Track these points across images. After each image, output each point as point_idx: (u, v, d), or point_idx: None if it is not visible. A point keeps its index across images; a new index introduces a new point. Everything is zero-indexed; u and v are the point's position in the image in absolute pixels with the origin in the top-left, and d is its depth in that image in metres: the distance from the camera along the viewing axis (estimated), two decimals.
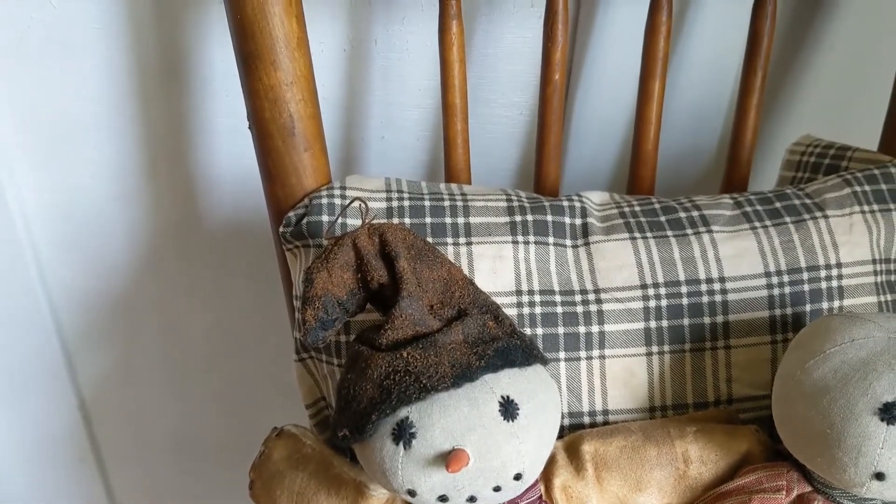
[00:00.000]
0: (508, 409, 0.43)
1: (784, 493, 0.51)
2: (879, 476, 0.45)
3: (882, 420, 0.45)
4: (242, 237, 0.80)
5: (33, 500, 0.95)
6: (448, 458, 0.41)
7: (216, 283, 0.82)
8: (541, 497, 0.50)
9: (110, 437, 0.91)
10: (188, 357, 0.87)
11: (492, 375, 0.44)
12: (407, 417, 0.42)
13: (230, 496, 0.95)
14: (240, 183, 0.77)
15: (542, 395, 0.45)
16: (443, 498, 0.43)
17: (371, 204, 0.58)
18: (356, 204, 0.55)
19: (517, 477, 0.44)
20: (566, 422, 0.57)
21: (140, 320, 0.84)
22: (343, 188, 0.58)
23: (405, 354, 0.44)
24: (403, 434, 0.42)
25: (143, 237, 0.79)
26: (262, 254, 0.79)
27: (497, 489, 0.43)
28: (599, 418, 0.57)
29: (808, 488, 0.51)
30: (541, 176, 0.68)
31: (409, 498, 0.44)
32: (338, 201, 0.57)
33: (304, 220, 0.57)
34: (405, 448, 0.42)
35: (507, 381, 0.44)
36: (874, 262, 0.59)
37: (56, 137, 0.72)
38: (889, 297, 0.59)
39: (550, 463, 0.51)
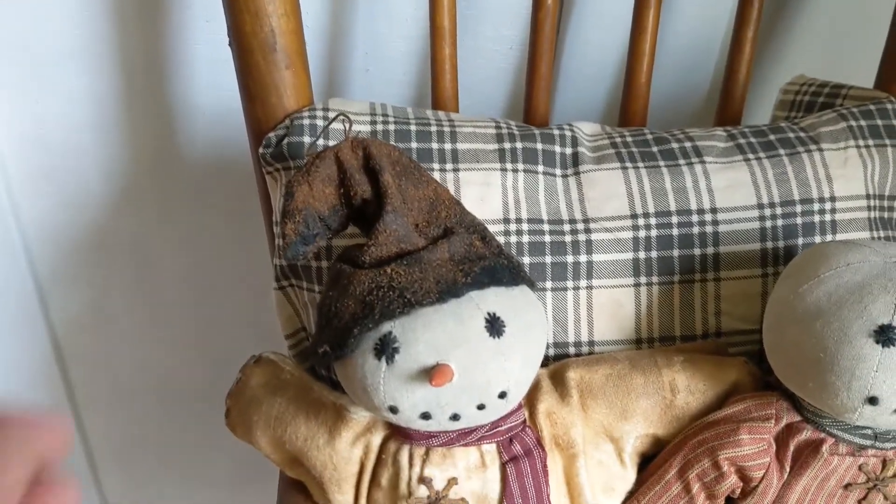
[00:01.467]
0: (494, 325, 0.41)
1: (773, 421, 0.50)
2: (873, 400, 0.44)
3: (877, 342, 0.44)
4: (222, 171, 0.77)
5: None
6: (432, 373, 0.39)
7: (194, 218, 0.80)
8: (525, 422, 0.49)
9: (84, 379, 0.89)
10: (165, 295, 0.84)
11: (478, 292, 0.42)
12: (390, 332, 0.41)
13: (204, 443, 0.93)
14: (220, 115, 0.74)
15: (529, 315, 0.44)
16: (425, 415, 0.42)
17: (355, 128, 0.56)
18: (339, 126, 0.53)
19: (502, 395, 0.42)
20: (551, 352, 0.55)
21: (115, 256, 0.81)
22: (325, 109, 0.56)
23: (389, 270, 0.42)
24: (386, 349, 0.40)
25: (118, 169, 0.76)
26: (241, 188, 0.76)
27: (481, 407, 0.42)
28: (585, 349, 0.56)
29: (798, 417, 0.50)
30: (530, 108, 0.66)
31: (390, 416, 0.42)
32: (320, 122, 0.55)
33: (285, 141, 0.55)
34: (388, 363, 0.40)
35: (494, 299, 0.42)
36: (868, 196, 0.58)
37: (29, 65, 0.69)
38: (882, 234, 0.58)
39: (535, 389, 0.50)
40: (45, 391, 0.88)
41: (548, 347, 0.55)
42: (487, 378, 0.41)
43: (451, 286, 0.41)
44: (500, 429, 0.47)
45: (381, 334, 0.41)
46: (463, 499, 0.48)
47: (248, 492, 0.97)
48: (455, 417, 0.42)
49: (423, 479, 0.47)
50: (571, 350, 0.56)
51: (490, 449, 0.47)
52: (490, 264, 0.43)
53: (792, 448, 0.50)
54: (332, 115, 0.56)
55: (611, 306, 0.56)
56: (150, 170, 0.77)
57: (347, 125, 0.47)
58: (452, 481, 0.47)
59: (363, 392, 0.42)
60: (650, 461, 0.53)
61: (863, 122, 0.60)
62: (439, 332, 0.40)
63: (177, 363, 0.89)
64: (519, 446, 0.48)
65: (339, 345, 0.41)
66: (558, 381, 0.51)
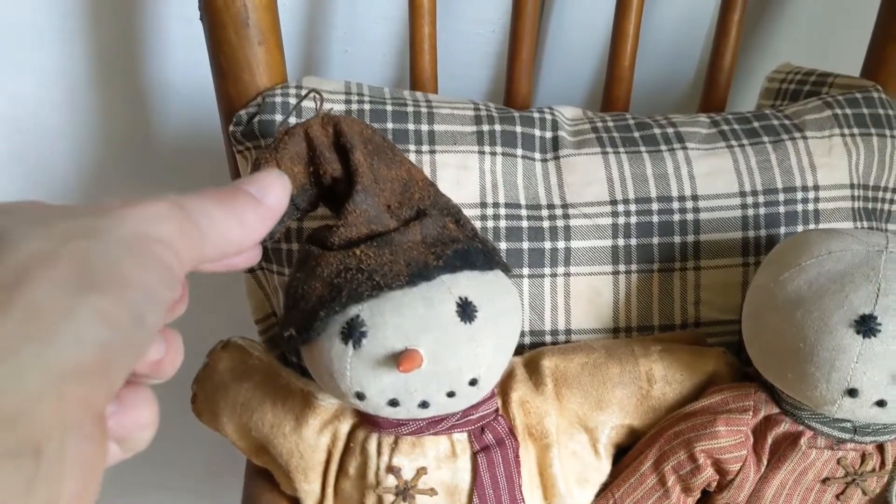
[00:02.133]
0: (466, 310, 0.40)
1: (750, 413, 0.49)
2: (852, 392, 0.43)
3: (858, 333, 0.42)
4: (196, 152, 0.75)
5: None
6: (400, 358, 0.38)
7: None
8: (497, 410, 0.47)
9: None
10: None
11: (450, 276, 0.40)
12: (358, 315, 0.39)
13: (177, 427, 0.90)
14: (194, 94, 0.72)
15: (503, 300, 0.42)
16: (393, 402, 0.40)
17: (328, 106, 0.54)
18: (311, 104, 0.51)
19: (473, 382, 0.41)
20: (527, 340, 0.54)
21: None
22: (299, 87, 0.54)
23: (358, 252, 0.40)
24: (353, 333, 0.39)
25: (90, 151, 0.74)
26: (215, 169, 0.74)
27: (451, 395, 0.41)
28: (562, 337, 0.54)
29: (776, 409, 0.49)
30: (511, 92, 0.64)
31: (357, 403, 0.41)
32: (293, 100, 0.53)
33: (256, 119, 0.53)
34: (354, 347, 0.39)
35: (466, 283, 0.41)
36: (852, 186, 0.57)
37: None
38: (865, 224, 0.57)
39: (508, 377, 0.49)
40: None
41: (523, 335, 0.54)
42: (458, 364, 0.40)
43: (423, 269, 0.40)
44: (471, 417, 0.45)
45: (348, 318, 0.39)
46: (432, 489, 0.46)
47: (222, 481, 0.96)
48: (424, 405, 0.40)
49: (391, 469, 0.45)
50: (548, 338, 0.54)
51: (461, 438, 0.46)
52: (463, 247, 0.42)
53: (770, 441, 0.49)
54: (305, 92, 0.54)
55: (588, 294, 0.54)
56: (122, 150, 0.74)
57: (319, 102, 0.45)
58: (422, 471, 0.46)
59: (329, 377, 0.40)
60: (625, 452, 0.52)
61: (848, 111, 0.58)
62: (408, 316, 0.39)
63: None
64: (491, 436, 0.46)
65: (306, 328, 0.40)
66: (533, 370, 0.49)
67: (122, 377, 0.23)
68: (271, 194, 0.29)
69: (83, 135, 0.73)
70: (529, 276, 0.54)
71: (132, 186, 0.76)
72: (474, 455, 0.46)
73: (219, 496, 0.98)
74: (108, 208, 0.24)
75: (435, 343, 0.39)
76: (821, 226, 0.56)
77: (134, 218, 0.24)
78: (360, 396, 0.40)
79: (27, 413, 0.19)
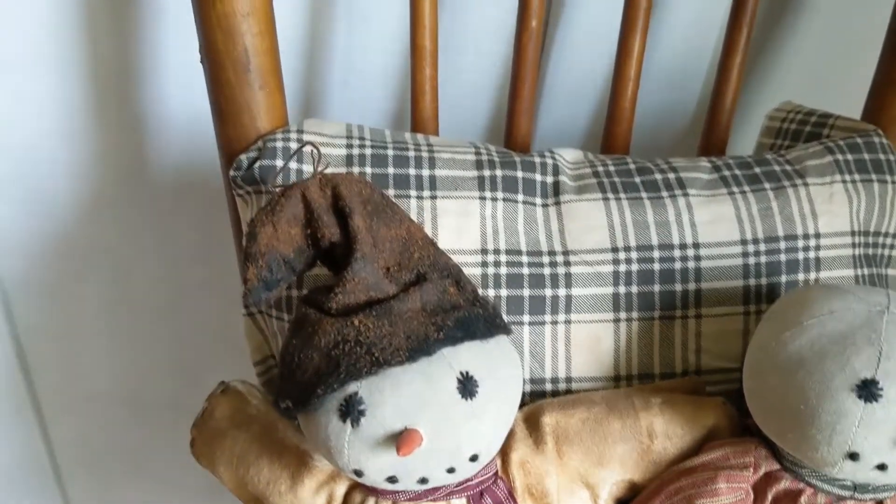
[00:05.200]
0: (467, 386, 0.36)
1: (751, 470, 0.46)
2: (853, 456, 0.41)
3: (859, 397, 0.40)
4: (192, 182, 0.71)
5: None
6: (399, 440, 0.34)
7: (165, 227, 0.74)
8: (497, 473, 0.44)
9: (49, 388, 0.82)
10: (134, 304, 0.78)
11: (451, 349, 0.37)
12: (356, 393, 0.36)
13: (173, 453, 0.87)
14: (192, 124, 0.68)
15: (504, 371, 0.39)
16: (392, 479, 0.37)
17: (330, 150, 0.51)
18: (309, 149, 0.48)
19: (473, 458, 0.37)
20: (527, 388, 0.51)
21: (83, 265, 0.75)
22: (300, 132, 0.51)
23: (357, 322, 0.37)
24: (351, 411, 0.35)
25: (87, 177, 0.69)
26: (212, 201, 0.70)
27: (451, 471, 0.37)
28: (562, 385, 0.51)
29: (777, 466, 0.46)
30: (512, 130, 0.61)
31: (354, 477, 0.38)
32: (293, 145, 0.50)
33: (257, 164, 0.49)
34: (353, 426, 0.35)
35: (467, 356, 0.37)
36: (853, 233, 0.53)
37: None
38: (866, 271, 0.53)
39: (509, 436, 0.45)
40: (8, 398, 0.82)
41: (524, 383, 0.50)
42: (458, 442, 0.36)
43: (423, 343, 0.36)
44: (470, 483, 0.42)
45: (346, 394, 0.36)
46: None
47: (217, 502, 0.92)
48: (423, 481, 0.37)
49: None
50: (548, 386, 0.51)
51: (460, 503, 0.43)
52: (464, 315, 0.38)
53: (770, 498, 0.46)
54: (306, 136, 0.51)
55: (589, 342, 0.51)
56: (119, 177, 0.70)
57: (316, 159, 0.41)
58: None
59: (326, 452, 0.37)
60: None
61: (849, 156, 0.55)
62: (408, 394, 0.35)
63: (145, 372, 0.83)
64: (490, 500, 0.43)
65: (302, 402, 0.36)
66: (533, 427, 0.46)
67: None
68: None
69: (80, 163, 0.69)
70: (530, 324, 0.51)
71: (128, 216, 0.72)
72: None
73: None
74: None
75: (435, 421, 0.36)
76: (822, 273, 0.53)
77: None
78: (359, 474, 0.37)
79: None
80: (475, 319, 0.39)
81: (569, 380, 0.51)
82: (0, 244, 0.72)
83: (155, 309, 0.79)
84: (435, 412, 0.35)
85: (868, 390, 0.40)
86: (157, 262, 0.76)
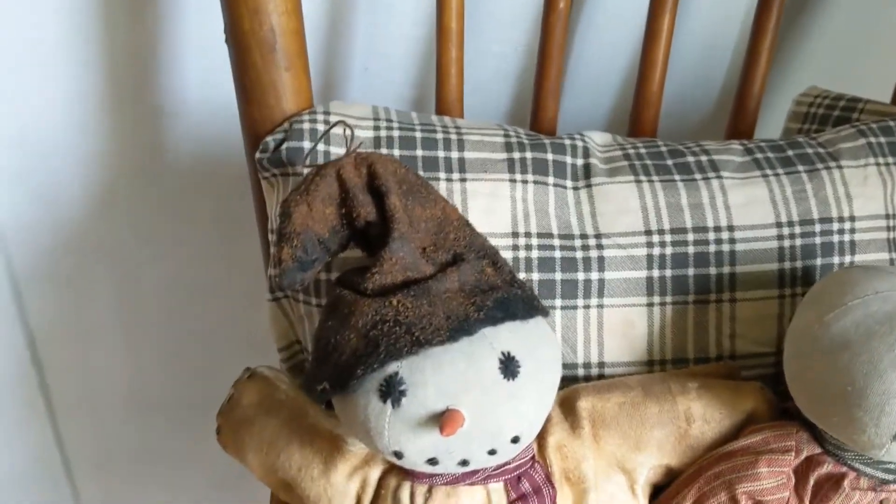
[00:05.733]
0: (509, 366, 0.35)
1: (793, 454, 0.45)
2: None
3: None
4: (210, 175, 0.69)
5: None
6: (441, 420, 0.33)
7: (180, 222, 0.72)
8: (534, 457, 0.43)
9: (62, 385, 0.80)
10: (147, 301, 0.76)
11: (491, 329, 0.36)
12: (396, 373, 0.34)
13: (186, 452, 0.86)
14: (209, 113, 0.66)
15: (544, 351, 0.38)
16: (432, 461, 0.36)
17: (358, 132, 0.49)
18: (340, 130, 0.47)
19: (515, 440, 0.36)
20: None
21: (96, 260, 0.73)
22: (327, 113, 0.50)
23: (395, 302, 0.36)
24: (392, 391, 0.34)
25: (100, 170, 0.68)
26: (230, 195, 0.69)
27: (492, 452, 0.36)
28: (595, 370, 0.50)
29: (819, 450, 0.45)
30: (538, 112, 0.60)
31: (394, 459, 0.37)
32: (321, 126, 0.48)
33: (284, 146, 0.48)
34: (394, 407, 0.34)
35: (508, 336, 0.36)
36: (887, 216, 0.52)
37: (9, 59, 0.61)
38: None
39: (545, 420, 0.44)
40: (20, 396, 0.80)
41: None
42: (500, 424, 0.35)
43: (463, 323, 0.35)
44: (508, 466, 0.41)
45: (386, 375, 0.35)
46: None
47: (229, 501, 0.91)
48: (464, 463, 0.36)
49: None
50: (580, 371, 0.50)
51: (497, 487, 0.41)
52: (503, 296, 0.37)
53: (812, 482, 0.45)
54: (333, 118, 0.50)
55: (622, 326, 0.50)
56: (134, 172, 0.69)
57: (349, 138, 0.40)
58: None
59: (365, 434, 0.36)
60: (662, 490, 0.47)
61: (882, 139, 0.54)
62: (450, 374, 0.34)
63: (158, 370, 0.81)
64: (528, 484, 0.42)
65: (340, 384, 0.35)
66: (569, 411, 0.45)
67: None
68: None
69: (94, 157, 0.68)
70: (562, 308, 0.49)
71: (143, 211, 0.71)
72: None
73: None
74: None
75: (477, 402, 0.34)
76: (857, 257, 0.51)
77: None
78: (399, 455, 0.36)
79: None
80: (514, 300, 0.38)
81: (601, 364, 0.50)
82: (13, 238, 0.70)
83: (168, 306, 0.77)
84: (477, 393, 0.34)
85: None
86: (171, 258, 0.74)
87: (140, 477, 0.89)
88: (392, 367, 0.35)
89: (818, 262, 0.51)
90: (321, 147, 0.48)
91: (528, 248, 0.49)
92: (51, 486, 0.87)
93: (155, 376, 0.81)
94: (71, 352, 0.79)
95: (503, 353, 0.35)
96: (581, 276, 0.49)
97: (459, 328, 0.35)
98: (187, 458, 0.87)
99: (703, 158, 0.53)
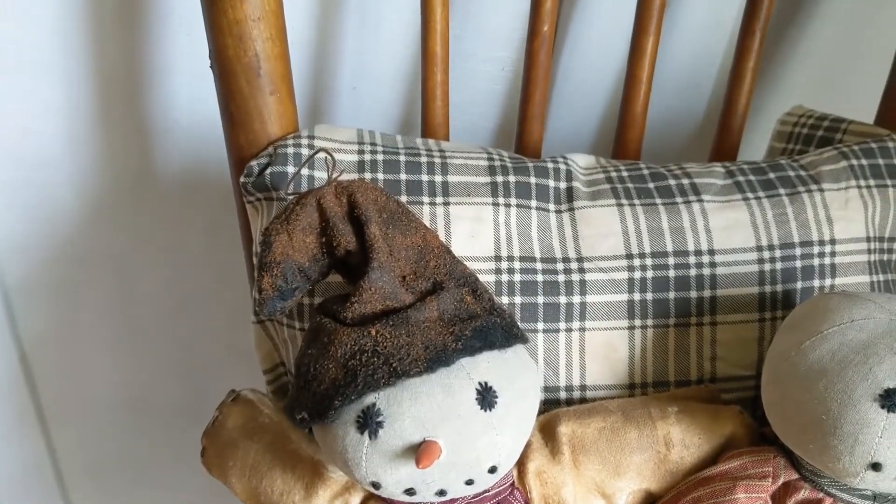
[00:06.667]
0: (486, 397, 0.35)
1: (770, 479, 0.45)
2: (876, 466, 0.40)
3: (882, 407, 0.39)
4: (200, 188, 0.70)
5: None
6: (418, 452, 0.33)
7: (170, 236, 0.72)
8: (513, 484, 0.43)
9: (54, 394, 0.80)
10: (139, 310, 0.76)
11: (469, 359, 0.36)
12: (374, 404, 0.35)
13: (178, 461, 0.86)
14: (199, 129, 0.67)
15: (522, 381, 0.38)
16: (410, 491, 0.36)
17: (341, 156, 0.50)
18: (322, 156, 0.47)
19: (492, 470, 0.36)
20: (541, 396, 0.50)
21: (88, 270, 0.73)
22: (311, 137, 0.50)
23: (373, 332, 0.36)
24: (369, 423, 0.34)
25: (92, 183, 0.68)
26: (220, 207, 0.69)
27: (470, 482, 0.36)
28: (577, 394, 0.50)
29: (796, 476, 0.45)
30: (523, 135, 0.60)
31: (372, 490, 0.37)
32: (305, 151, 0.49)
33: (268, 171, 0.48)
34: (371, 438, 0.34)
35: (486, 366, 0.36)
36: (868, 239, 0.52)
37: (1, 74, 0.62)
38: (881, 278, 0.52)
39: (525, 446, 0.44)
40: (12, 405, 0.80)
41: None
42: (477, 455, 0.35)
43: (441, 353, 0.35)
44: (487, 494, 0.41)
45: (363, 406, 0.35)
46: None
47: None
48: (442, 493, 0.36)
49: None
50: (562, 395, 0.50)
51: None
52: (482, 324, 0.37)
53: None
54: (317, 142, 0.50)
55: (604, 349, 0.50)
56: (124, 183, 0.69)
57: (330, 166, 0.40)
58: None
59: (343, 464, 0.36)
60: None
61: (864, 161, 0.54)
62: (426, 405, 0.34)
63: (150, 378, 0.81)
64: None
65: (319, 413, 0.35)
66: (549, 436, 0.45)
67: None
68: None
69: (85, 169, 0.68)
70: (544, 331, 0.49)
71: (134, 221, 0.71)
72: None
73: None
74: None
75: (454, 434, 0.35)
76: (837, 280, 0.52)
77: None
78: (376, 486, 0.36)
79: None
80: (493, 329, 0.38)
81: (583, 388, 0.50)
82: (4, 249, 0.70)
83: (160, 315, 0.77)
84: (454, 424, 0.34)
85: (891, 400, 0.39)
86: (162, 268, 0.74)
87: (131, 485, 0.89)
88: (370, 399, 0.35)
89: (798, 285, 0.51)
90: (305, 171, 0.49)
91: (511, 271, 0.50)
92: (42, 494, 0.87)
93: (146, 386, 0.81)
94: (62, 362, 0.78)
95: (480, 384, 0.35)
96: (563, 299, 0.50)
97: (437, 359, 0.35)
98: (179, 467, 0.86)
99: (685, 181, 0.53)
